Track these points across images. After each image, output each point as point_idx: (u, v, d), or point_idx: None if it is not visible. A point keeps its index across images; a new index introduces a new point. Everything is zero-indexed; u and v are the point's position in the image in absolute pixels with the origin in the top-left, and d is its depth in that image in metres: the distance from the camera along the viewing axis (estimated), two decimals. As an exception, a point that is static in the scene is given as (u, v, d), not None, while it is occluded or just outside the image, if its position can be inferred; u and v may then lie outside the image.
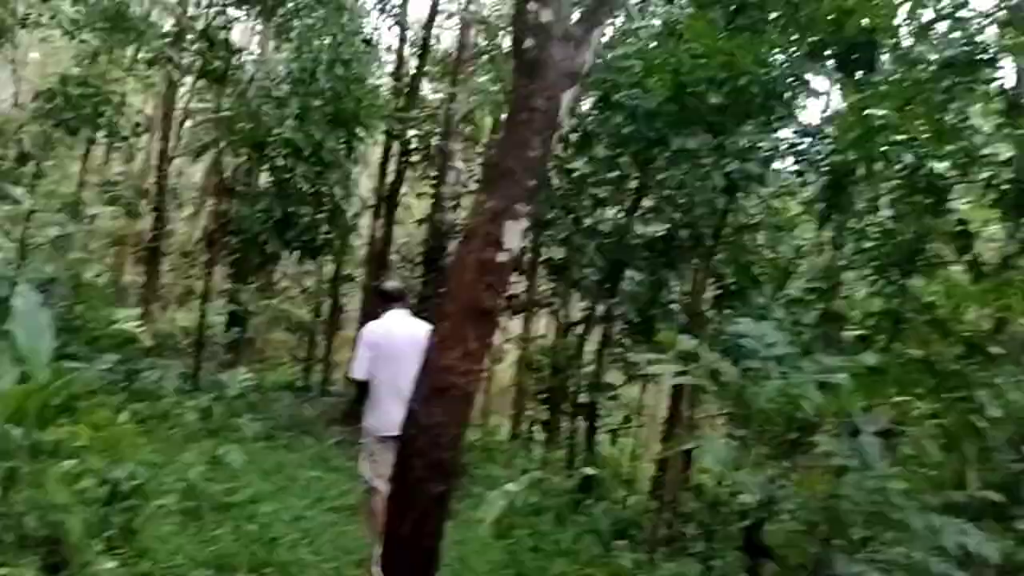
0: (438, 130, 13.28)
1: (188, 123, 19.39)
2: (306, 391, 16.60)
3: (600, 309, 11.68)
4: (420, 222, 13.86)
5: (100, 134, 14.57)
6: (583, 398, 13.80)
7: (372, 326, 5.32)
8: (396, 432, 4.29)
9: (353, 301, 21.63)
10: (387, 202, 16.91)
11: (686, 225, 8.31)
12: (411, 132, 15.13)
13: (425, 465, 3.56)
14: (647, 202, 9.93)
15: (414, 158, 14.58)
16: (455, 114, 11.36)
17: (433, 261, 11.43)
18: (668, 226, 8.79)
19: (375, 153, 19.09)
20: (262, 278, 18.97)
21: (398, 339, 5.02)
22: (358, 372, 5.15)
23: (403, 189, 17.53)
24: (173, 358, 14.98)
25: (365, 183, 20.27)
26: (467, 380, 3.62)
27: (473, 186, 12.63)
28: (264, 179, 11.60)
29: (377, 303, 5.65)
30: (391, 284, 5.85)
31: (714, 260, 8.51)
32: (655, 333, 13.23)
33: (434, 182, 12.73)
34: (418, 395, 3.71)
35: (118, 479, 4.42)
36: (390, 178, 16.85)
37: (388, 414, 4.76)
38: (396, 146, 16.58)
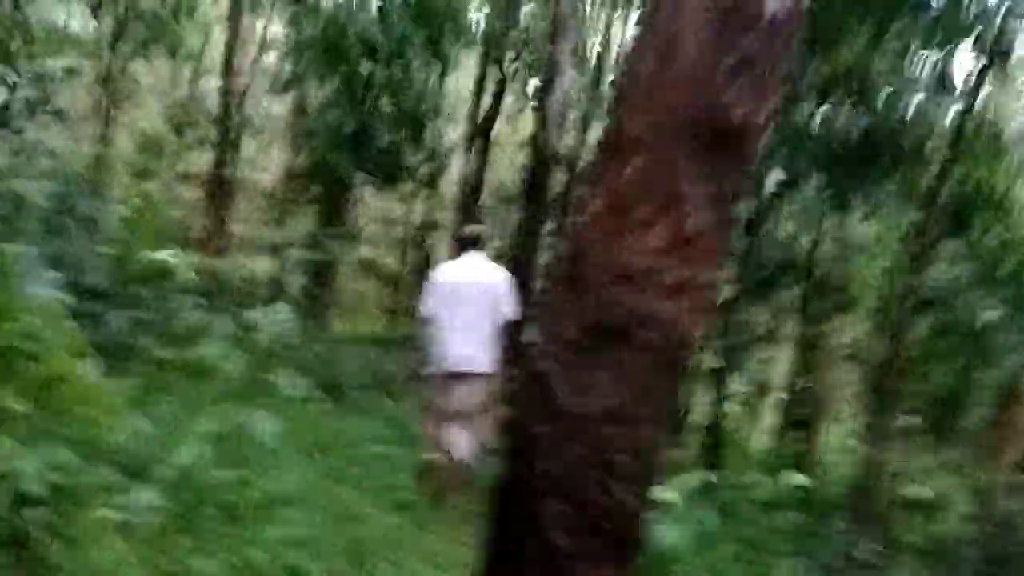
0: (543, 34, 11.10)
1: (268, 55, 17.93)
2: (391, 344, 15.00)
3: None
4: (521, 147, 11.81)
5: (168, 54, 13.18)
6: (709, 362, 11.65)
7: (443, 267, 5.64)
8: (459, 370, 4.99)
9: (443, 249, 19.96)
10: (481, 135, 14.98)
11: (891, 124, 5.98)
12: (510, 51, 13.13)
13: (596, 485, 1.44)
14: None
15: (515, 69, 12.44)
16: (565, 9, 9.22)
17: (535, 193, 9.40)
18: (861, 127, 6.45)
19: (467, 82, 17.26)
20: (346, 222, 17.54)
21: (466, 282, 5.17)
22: (423, 309, 5.33)
23: (498, 124, 15.57)
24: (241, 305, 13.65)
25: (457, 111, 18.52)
26: (686, 295, 1.49)
27: (582, 106, 10.49)
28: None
29: (455, 247, 5.99)
30: (469, 228, 6.10)
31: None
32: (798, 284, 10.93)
33: (539, 96, 10.59)
34: (550, 339, 1.65)
35: (19, 471, 2.61)
36: (484, 111, 14.94)
37: (449, 350, 5.05)
38: (492, 72, 14.66)
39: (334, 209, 16.46)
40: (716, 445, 8.84)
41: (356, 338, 15.31)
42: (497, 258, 13.28)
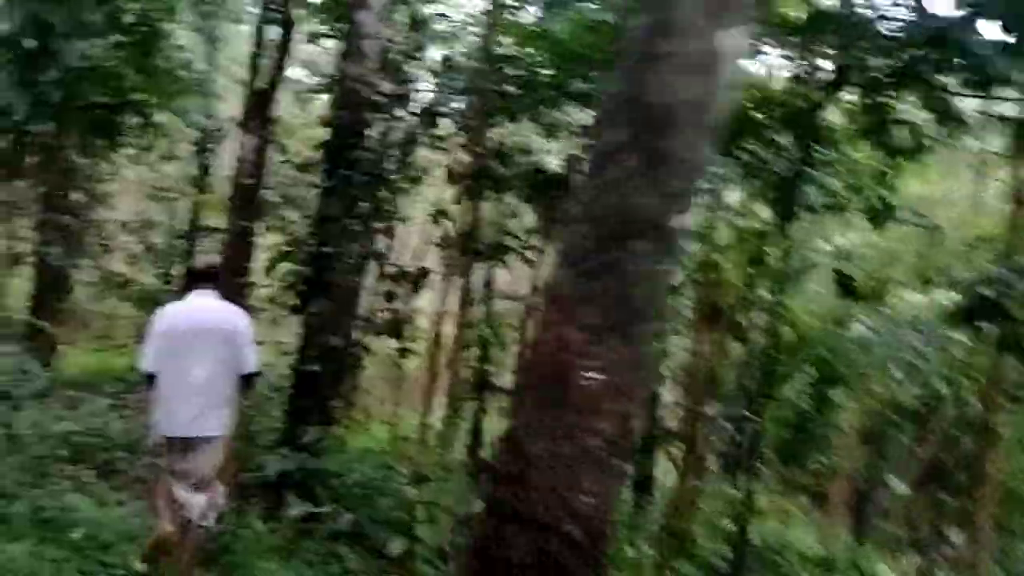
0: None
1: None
2: (126, 386, 10.91)
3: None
4: (326, 89, 8.39)
5: None
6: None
7: (167, 308, 4.69)
8: (187, 434, 4.33)
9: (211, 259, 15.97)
10: (259, 109, 11.32)
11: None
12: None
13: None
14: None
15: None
16: None
17: (343, 154, 6.13)
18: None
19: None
20: (74, 224, 13.29)
21: (194, 325, 4.48)
22: (145, 362, 4.47)
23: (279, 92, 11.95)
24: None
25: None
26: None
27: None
28: None
29: (188, 281, 4.82)
30: (202, 260, 5.80)
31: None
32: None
33: (348, 25, 7.27)
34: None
35: None
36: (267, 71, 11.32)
37: (177, 412, 4.38)
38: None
39: (51, 202, 12.17)
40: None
41: (82, 381, 11.07)
42: (287, 253, 9.98)
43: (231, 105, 14.50)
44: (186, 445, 4.34)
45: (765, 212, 10.25)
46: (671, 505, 11.11)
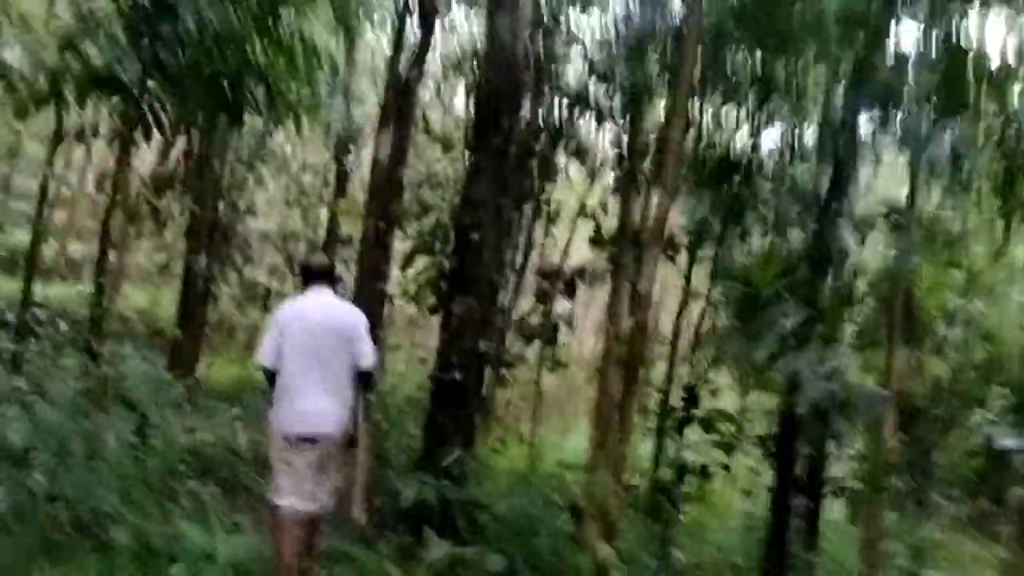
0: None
1: None
2: (257, 395, 10.44)
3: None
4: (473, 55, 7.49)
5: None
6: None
7: (285, 306, 4.78)
8: (309, 431, 4.27)
9: (350, 269, 15.60)
10: (398, 107, 10.65)
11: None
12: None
13: None
14: None
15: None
16: None
17: (491, 128, 5.19)
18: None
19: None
20: (217, 233, 13.26)
21: (314, 322, 4.44)
22: (264, 358, 4.46)
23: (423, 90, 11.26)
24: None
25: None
26: None
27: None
28: None
29: (304, 279, 4.72)
30: (316, 258, 5.53)
31: None
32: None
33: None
34: None
35: None
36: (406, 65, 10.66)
37: (298, 409, 4.33)
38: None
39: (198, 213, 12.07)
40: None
41: (220, 392, 10.71)
42: (427, 244, 9.20)
43: (370, 108, 14.10)
44: (301, 442, 4.27)
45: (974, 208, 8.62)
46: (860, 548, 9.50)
